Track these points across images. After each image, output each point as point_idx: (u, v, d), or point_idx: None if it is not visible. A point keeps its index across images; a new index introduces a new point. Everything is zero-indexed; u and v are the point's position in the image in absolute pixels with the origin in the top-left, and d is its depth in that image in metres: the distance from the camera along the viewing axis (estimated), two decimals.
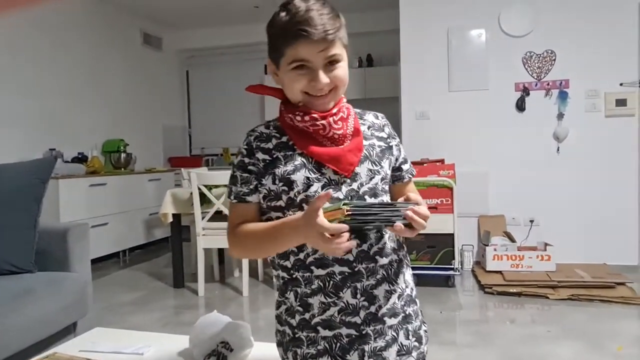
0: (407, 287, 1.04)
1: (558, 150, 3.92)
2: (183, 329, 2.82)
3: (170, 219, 3.59)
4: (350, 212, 0.81)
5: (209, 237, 3.47)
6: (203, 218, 3.44)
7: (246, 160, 1.00)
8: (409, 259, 1.10)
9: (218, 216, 3.48)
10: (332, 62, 0.95)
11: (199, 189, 3.40)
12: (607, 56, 3.81)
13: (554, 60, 3.91)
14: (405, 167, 1.11)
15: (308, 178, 0.96)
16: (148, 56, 6.08)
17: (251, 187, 1.00)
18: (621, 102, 3.78)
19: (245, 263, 3.46)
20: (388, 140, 1.07)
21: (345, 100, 1.04)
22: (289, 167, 0.97)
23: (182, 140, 6.93)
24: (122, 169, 5.08)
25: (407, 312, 1.02)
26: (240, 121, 6.69)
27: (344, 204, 0.81)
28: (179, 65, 6.85)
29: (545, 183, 3.94)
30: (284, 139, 1.00)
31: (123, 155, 5.11)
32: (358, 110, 1.08)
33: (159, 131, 6.29)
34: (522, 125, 3.98)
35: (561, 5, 3.88)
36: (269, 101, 6.28)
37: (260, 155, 0.99)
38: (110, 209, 4.57)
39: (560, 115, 3.90)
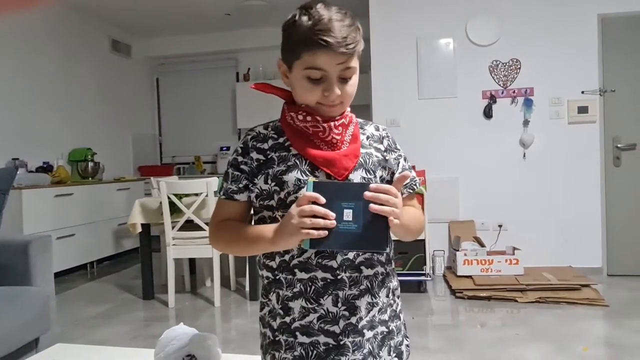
0: (392, 301, 1.04)
1: (524, 156, 4.02)
2: (153, 341, 2.75)
3: (139, 229, 3.51)
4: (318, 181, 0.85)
5: (179, 247, 3.42)
6: (173, 228, 3.38)
7: (239, 159, 1.00)
8: (396, 274, 1.08)
9: (188, 225, 3.43)
10: (345, 76, 0.95)
11: (169, 198, 3.34)
12: (569, 65, 3.94)
13: (519, 68, 4.02)
14: None
15: (299, 180, 0.95)
16: (117, 63, 5.97)
17: (240, 185, 1.00)
18: (583, 110, 3.91)
19: (217, 273, 3.42)
20: (385, 153, 1.05)
21: (349, 109, 1.03)
22: (282, 167, 0.96)
23: (153, 148, 6.80)
24: (90, 179, 4.95)
25: (390, 328, 1.02)
26: (211, 129, 6.63)
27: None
28: (149, 72, 6.74)
29: (513, 188, 4.03)
30: (281, 140, 1.00)
31: (90, 164, 4.99)
32: (360, 120, 1.07)
33: (128, 140, 6.17)
34: (489, 132, 4.07)
35: (525, 16, 4.00)
36: (241, 110, 6.24)
37: (254, 155, 0.99)
38: (77, 220, 4.44)
39: (525, 122, 4.01)
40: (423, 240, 3.56)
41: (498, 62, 4.05)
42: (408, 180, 1.05)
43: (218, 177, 3.64)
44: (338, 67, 0.93)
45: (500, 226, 4.04)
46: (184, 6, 5.28)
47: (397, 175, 1.05)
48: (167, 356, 1.20)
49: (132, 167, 6.21)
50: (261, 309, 1.04)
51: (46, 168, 4.56)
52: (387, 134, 1.09)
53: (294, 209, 0.86)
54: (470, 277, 3.64)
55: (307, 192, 0.85)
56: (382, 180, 1.02)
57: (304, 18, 0.92)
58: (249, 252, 1.01)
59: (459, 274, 3.69)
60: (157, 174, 5.54)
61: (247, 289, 3.67)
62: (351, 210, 0.85)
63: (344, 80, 0.96)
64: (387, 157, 1.05)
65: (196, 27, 6.04)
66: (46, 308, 2.03)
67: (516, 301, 3.28)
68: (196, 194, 3.40)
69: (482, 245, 3.86)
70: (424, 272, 3.54)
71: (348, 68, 0.94)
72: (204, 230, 3.35)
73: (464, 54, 4.10)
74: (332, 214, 0.84)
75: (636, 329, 2.76)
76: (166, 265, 3.54)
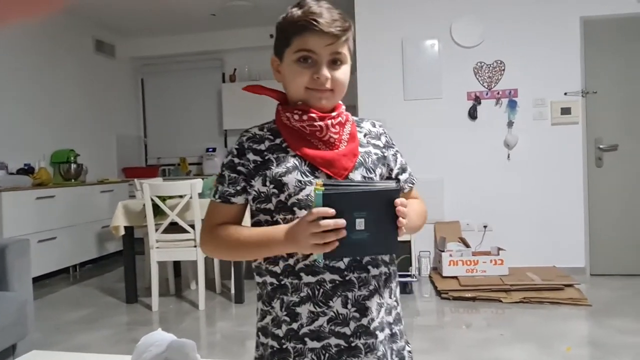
0: (395, 303, 1.02)
1: (509, 157, 4.05)
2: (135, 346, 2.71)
3: (122, 232, 3.46)
4: (323, 185, 0.82)
5: (163, 249, 3.37)
6: (157, 230, 3.34)
7: (236, 160, 0.98)
8: (397, 275, 1.06)
9: (173, 228, 3.39)
10: (335, 62, 0.95)
11: (152, 200, 3.30)
12: (553, 67, 3.97)
13: (503, 70, 4.05)
14: (403, 177, 1.08)
15: (300, 181, 0.93)
16: (101, 64, 5.89)
17: (238, 188, 0.98)
18: (566, 111, 3.95)
19: (201, 276, 3.38)
20: (383, 149, 1.05)
21: (343, 107, 1.03)
22: (281, 169, 0.94)
23: (138, 150, 6.73)
24: (72, 181, 4.88)
25: (394, 331, 1.00)
26: (197, 130, 6.58)
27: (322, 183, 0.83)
28: (134, 73, 6.67)
29: (497, 189, 4.06)
30: (278, 141, 0.98)
31: (73, 166, 4.91)
32: (356, 118, 1.07)
33: (112, 141, 6.09)
34: (474, 133, 4.09)
35: (509, 18, 4.03)
36: (227, 111, 6.19)
37: (251, 156, 0.97)
38: (59, 223, 4.37)
39: (510, 123, 4.04)
40: (409, 242, 3.56)
41: (482, 63, 4.08)
42: (408, 175, 1.10)
43: (203, 179, 3.61)
44: (327, 49, 0.93)
45: (485, 227, 4.06)
46: (168, 6, 5.23)
47: (395, 171, 1.06)
48: None
49: (116, 169, 6.13)
50: (262, 319, 1.00)
51: (27, 170, 4.47)
52: (384, 130, 1.09)
53: (304, 224, 0.84)
54: (455, 277, 3.65)
55: (316, 209, 0.82)
56: (382, 177, 1.02)
57: (294, 9, 0.95)
58: (255, 255, 0.98)
59: (444, 274, 3.70)
60: (142, 175, 5.48)
61: (233, 291, 3.63)
62: (363, 220, 0.84)
63: (334, 65, 0.95)
64: (385, 154, 1.05)
65: (181, 27, 5.99)
66: (23, 313, 1.98)
67: (501, 301, 3.30)
68: (180, 196, 3.37)
69: (467, 245, 3.87)
70: (409, 273, 3.54)
71: (338, 53, 0.95)
72: (189, 232, 3.31)
73: (449, 55, 4.12)
74: (343, 223, 0.82)
75: (618, 328, 2.79)
76: (150, 268, 3.50)
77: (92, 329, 3.07)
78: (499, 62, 4.05)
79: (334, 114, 0.98)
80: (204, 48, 6.29)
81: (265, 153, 0.97)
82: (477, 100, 4.07)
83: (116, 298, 3.74)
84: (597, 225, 3.95)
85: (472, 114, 4.08)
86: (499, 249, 3.77)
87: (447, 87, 4.13)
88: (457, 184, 4.12)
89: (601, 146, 3.93)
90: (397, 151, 1.08)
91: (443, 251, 3.76)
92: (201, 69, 6.54)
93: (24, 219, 3.97)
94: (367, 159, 1.00)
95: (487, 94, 4.08)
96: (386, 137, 1.08)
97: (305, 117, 0.96)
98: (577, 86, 3.95)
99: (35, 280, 4.01)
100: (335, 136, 0.98)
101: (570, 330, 2.82)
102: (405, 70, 4.17)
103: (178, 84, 6.64)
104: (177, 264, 4.16)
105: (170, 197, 3.45)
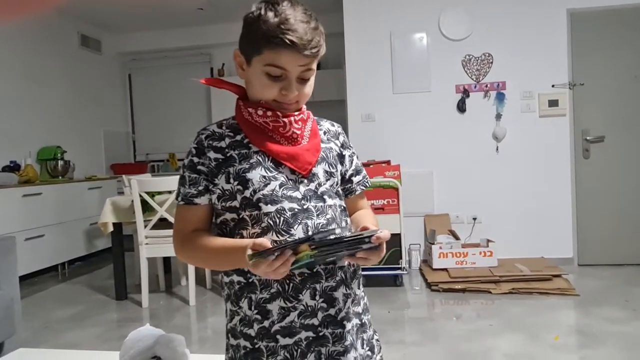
0: (362, 294, 1.04)
1: (497, 149, 4.07)
2: None
3: (111, 229, 3.43)
4: (314, 247, 0.79)
5: (153, 245, 3.35)
6: (146, 226, 3.32)
7: (195, 160, 0.96)
8: (361, 268, 1.08)
9: (162, 224, 3.36)
10: (304, 77, 0.95)
11: (141, 196, 3.27)
12: (540, 59, 3.99)
13: (491, 63, 4.06)
14: (356, 179, 1.08)
15: (264, 177, 0.93)
16: (86, 59, 5.82)
17: (200, 188, 0.96)
18: (553, 103, 3.98)
19: (192, 271, 3.37)
20: (341, 149, 1.06)
21: (305, 107, 1.03)
22: (244, 165, 0.94)
23: (126, 146, 6.67)
24: (60, 178, 4.82)
25: (362, 320, 1.02)
26: (186, 125, 6.52)
27: (310, 238, 0.80)
28: (120, 68, 6.59)
29: (486, 181, 4.08)
30: (238, 137, 0.97)
31: (60, 162, 4.85)
32: (316, 117, 1.07)
33: (99, 137, 6.03)
34: (463, 125, 4.11)
35: (496, 11, 4.04)
36: (216, 104, 6.16)
37: (212, 155, 0.96)
38: (47, 220, 4.32)
39: (498, 116, 4.06)
40: (399, 234, 3.57)
41: (471, 56, 4.09)
42: (361, 178, 1.09)
43: None
44: (299, 68, 0.92)
45: (474, 219, 4.09)
46: (155, 0, 5.16)
47: (349, 172, 1.07)
48: (133, 358, 1.17)
49: (104, 166, 6.07)
50: (231, 319, 0.99)
51: (13, 167, 4.42)
52: (342, 130, 1.11)
53: (278, 274, 0.82)
54: (445, 269, 3.67)
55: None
56: (341, 174, 1.04)
57: (270, 14, 0.90)
58: (225, 268, 0.99)
59: (434, 267, 3.72)
60: (130, 172, 5.43)
61: (226, 287, 3.62)
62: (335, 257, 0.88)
63: (302, 81, 0.95)
64: (343, 153, 1.06)
65: (168, 22, 5.92)
66: (10, 312, 1.96)
67: (490, 292, 3.33)
68: (169, 192, 3.34)
69: (457, 238, 3.90)
70: (400, 265, 3.56)
71: (309, 69, 0.94)
72: None
73: (438, 48, 4.12)
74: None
75: (605, 317, 2.83)
76: (140, 264, 3.48)
77: (82, 327, 3.05)
78: (487, 54, 4.07)
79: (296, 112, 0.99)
80: (192, 43, 6.23)
81: (227, 150, 0.96)
82: (466, 93, 4.09)
83: (106, 295, 3.72)
84: (585, 216, 3.99)
85: (461, 107, 4.10)
86: (488, 240, 3.80)
87: (435, 80, 4.13)
88: (447, 177, 4.14)
89: (588, 138, 3.97)
90: (353, 153, 1.09)
91: (433, 244, 3.78)
92: (189, 63, 6.49)
93: (11, 217, 3.92)
94: (329, 155, 1.02)
95: (475, 86, 4.09)
96: (344, 137, 1.09)
97: (269, 113, 0.96)
98: (564, 78, 3.97)
99: (24, 278, 3.98)
100: (298, 132, 0.98)
101: (558, 319, 2.85)
102: (394, 64, 4.17)
103: (166, 79, 6.58)
104: (167, 260, 4.14)
105: (159, 193, 3.42)
